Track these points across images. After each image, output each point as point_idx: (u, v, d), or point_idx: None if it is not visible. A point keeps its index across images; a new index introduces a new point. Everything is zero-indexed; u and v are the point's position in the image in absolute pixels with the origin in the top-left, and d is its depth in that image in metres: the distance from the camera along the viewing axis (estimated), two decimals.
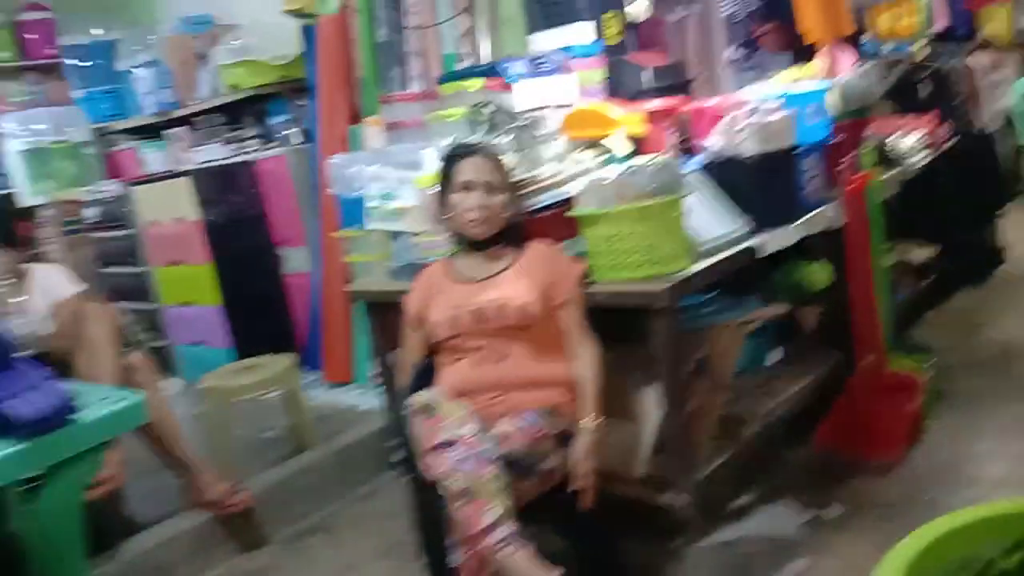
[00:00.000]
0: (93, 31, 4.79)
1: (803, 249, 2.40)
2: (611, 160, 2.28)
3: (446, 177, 2.04)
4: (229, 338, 3.96)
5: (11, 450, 1.41)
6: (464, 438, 1.69)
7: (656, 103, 2.53)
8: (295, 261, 3.79)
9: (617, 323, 2.08)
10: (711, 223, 2.19)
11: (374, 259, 2.60)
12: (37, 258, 2.56)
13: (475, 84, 2.49)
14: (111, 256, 4.33)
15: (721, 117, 2.32)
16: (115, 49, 4.66)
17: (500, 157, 2.07)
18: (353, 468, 2.85)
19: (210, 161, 3.98)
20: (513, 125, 2.27)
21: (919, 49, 3.54)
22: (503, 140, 2.23)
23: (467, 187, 2.00)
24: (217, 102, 4.06)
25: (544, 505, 1.86)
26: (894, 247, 3.05)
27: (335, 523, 2.64)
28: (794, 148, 2.32)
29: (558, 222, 2.14)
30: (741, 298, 2.40)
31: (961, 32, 4.01)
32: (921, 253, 3.47)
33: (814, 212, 2.39)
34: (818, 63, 2.78)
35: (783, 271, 2.50)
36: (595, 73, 2.68)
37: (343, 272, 3.30)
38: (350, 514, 2.69)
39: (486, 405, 1.91)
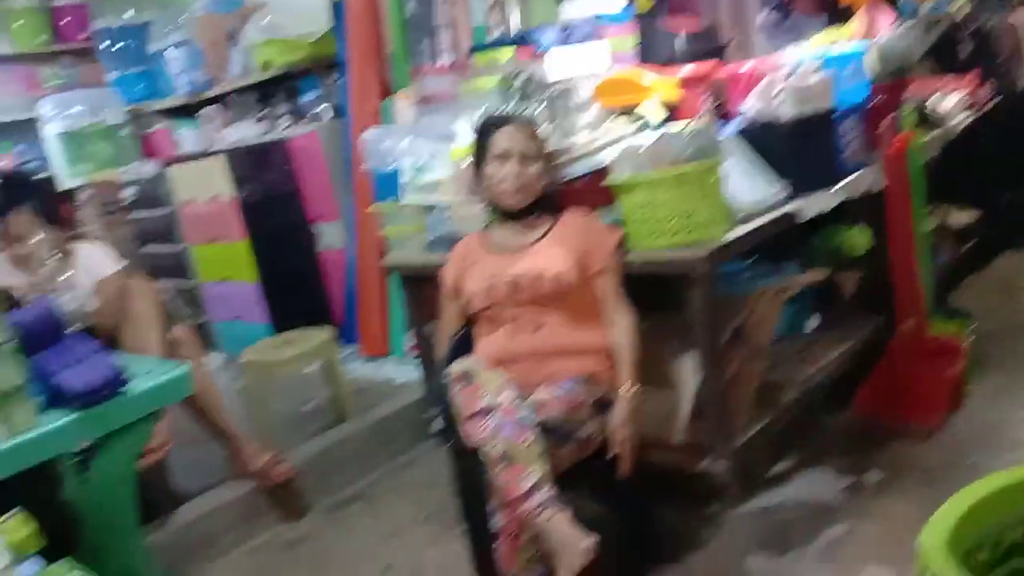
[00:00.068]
0: (125, 14, 4.83)
1: (842, 213, 2.37)
2: (645, 127, 2.26)
3: (481, 147, 2.04)
4: (266, 314, 4.01)
5: (65, 421, 1.45)
6: (502, 405, 1.71)
7: (689, 69, 2.50)
8: (329, 237, 3.82)
9: (654, 291, 2.08)
10: (748, 189, 2.17)
11: (409, 232, 2.62)
12: (78, 238, 2.60)
13: (506, 54, 2.48)
14: (149, 235, 4.40)
15: (757, 81, 2.29)
16: (147, 31, 4.70)
17: (535, 126, 2.07)
18: (391, 439, 2.88)
19: (243, 139, 4.01)
20: (545, 94, 2.26)
21: (959, 7, 3.44)
22: (535, 110, 2.22)
23: (502, 157, 2.00)
24: (249, 80, 4.08)
25: (582, 472, 1.87)
26: (934, 210, 3.00)
27: (375, 492, 2.69)
28: (832, 111, 2.29)
29: (593, 191, 2.14)
30: (779, 264, 2.38)
31: None
32: (962, 216, 3.40)
33: (853, 176, 2.36)
34: (855, 24, 2.72)
35: (822, 236, 2.47)
36: (627, 40, 2.66)
37: (378, 246, 3.32)
38: (389, 483, 2.73)
39: (523, 374, 1.92)
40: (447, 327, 2.15)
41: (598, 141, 2.19)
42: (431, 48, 3.29)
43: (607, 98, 2.39)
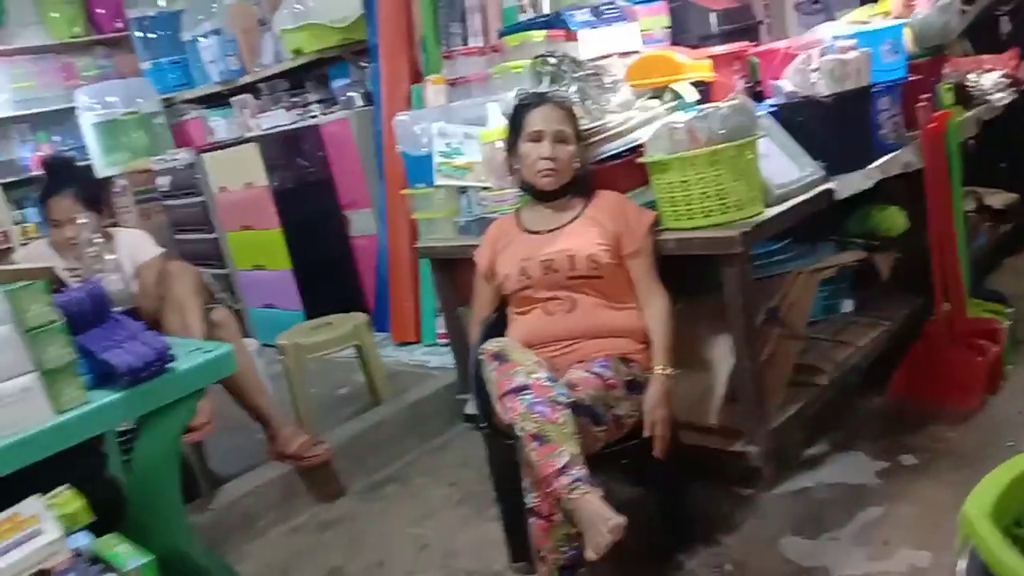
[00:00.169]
0: (158, 2, 4.89)
1: (878, 193, 2.34)
2: (679, 107, 2.24)
3: (516, 127, 2.04)
4: (299, 301, 4.06)
5: (112, 398, 1.48)
6: (535, 384, 1.71)
7: (722, 48, 2.47)
8: (360, 224, 3.85)
9: (688, 272, 2.07)
10: (783, 168, 2.15)
11: (441, 215, 2.63)
12: (115, 226, 2.65)
13: (538, 35, 2.47)
14: (184, 223, 4.46)
15: (791, 60, 2.26)
16: (180, 19, 4.75)
17: (569, 107, 2.06)
18: (425, 422, 2.91)
19: (275, 127, 4.05)
20: (578, 75, 2.25)
21: None
22: (568, 90, 2.21)
23: (537, 137, 2.00)
24: (280, 68, 4.11)
25: (616, 454, 1.88)
26: (972, 191, 2.95)
27: (409, 474, 2.72)
28: (870, 88, 2.25)
29: (626, 171, 2.13)
30: (815, 245, 2.36)
31: None
32: (1000, 198, 3.34)
33: (890, 154, 2.33)
34: (892, 0, 2.67)
35: (858, 216, 2.44)
36: (659, 19, 2.64)
37: (409, 233, 3.34)
38: (423, 466, 2.76)
39: (557, 354, 1.94)
40: (480, 309, 2.16)
41: (631, 121, 2.18)
42: (462, 31, 3.29)
43: (639, 79, 2.37)
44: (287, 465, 2.55)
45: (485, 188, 2.43)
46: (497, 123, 2.36)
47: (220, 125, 4.56)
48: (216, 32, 4.44)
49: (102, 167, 4.82)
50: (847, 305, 2.59)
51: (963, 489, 1.16)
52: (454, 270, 2.62)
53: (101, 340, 1.52)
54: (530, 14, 2.90)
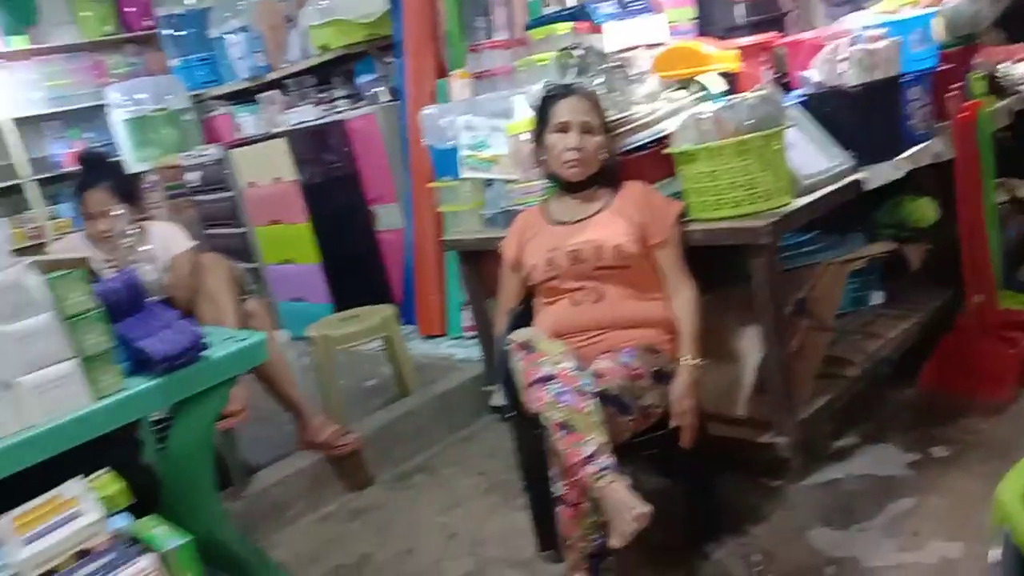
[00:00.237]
0: (187, 0, 4.95)
1: (908, 184, 2.32)
2: (705, 98, 2.24)
3: (542, 118, 2.05)
4: (328, 294, 4.10)
5: (149, 384, 1.51)
6: (562, 373, 1.72)
7: (749, 39, 2.46)
8: (387, 218, 3.88)
9: (716, 263, 2.07)
10: (812, 158, 2.14)
11: (467, 208, 2.65)
12: (147, 220, 2.70)
13: (564, 28, 2.47)
14: (214, 217, 4.51)
15: (819, 50, 2.25)
16: (208, 17, 4.81)
17: (596, 98, 2.07)
18: (453, 413, 2.93)
19: (302, 122, 4.09)
20: (604, 66, 2.25)
21: None
22: (594, 82, 2.21)
23: (564, 128, 2.00)
24: (307, 64, 4.15)
25: (644, 445, 1.88)
26: (1004, 183, 2.90)
27: (437, 464, 2.74)
28: (899, 77, 2.23)
29: (653, 162, 2.13)
30: (844, 236, 2.34)
31: None
32: None
33: (920, 145, 2.30)
34: None
35: (888, 207, 2.42)
36: (685, 11, 2.63)
37: (435, 226, 3.36)
38: (451, 456, 2.78)
39: (584, 344, 1.94)
40: (507, 300, 2.17)
41: (657, 112, 2.18)
42: (486, 26, 3.30)
43: (666, 69, 2.37)
44: (317, 454, 2.58)
45: (511, 181, 2.44)
46: (523, 115, 2.37)
47: (248, 121, 4.61)
48: (243, 29, 4.49)
49: (133, 163, 4.89)
50: (877, 297, 2.57)
51: (994, 481, 1.16)
52: (480, 263, 2.64)
53: (137, 328, 1.56)
54: (555, 7, 2.91)
